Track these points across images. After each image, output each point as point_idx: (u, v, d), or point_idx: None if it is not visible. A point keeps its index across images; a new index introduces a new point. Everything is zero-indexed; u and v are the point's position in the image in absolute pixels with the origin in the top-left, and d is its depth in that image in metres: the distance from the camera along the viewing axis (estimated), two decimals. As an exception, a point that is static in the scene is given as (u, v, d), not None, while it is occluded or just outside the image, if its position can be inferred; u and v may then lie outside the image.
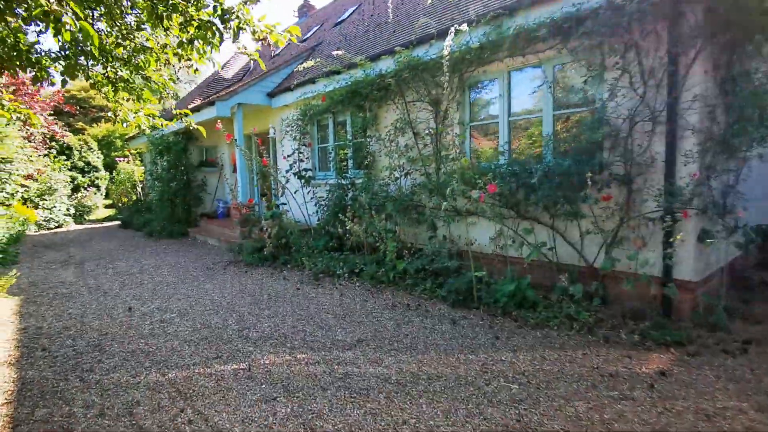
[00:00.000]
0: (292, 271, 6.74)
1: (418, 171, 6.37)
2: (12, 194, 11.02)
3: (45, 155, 15.15)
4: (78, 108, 23.94)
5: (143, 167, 16.71)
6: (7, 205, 11.06)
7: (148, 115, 3.64)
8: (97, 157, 19.86)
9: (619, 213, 4.27)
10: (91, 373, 3.48)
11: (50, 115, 16.54)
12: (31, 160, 12.80)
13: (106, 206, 19.73)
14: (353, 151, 7.92)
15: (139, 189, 15.10)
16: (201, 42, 2.80)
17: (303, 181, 8.23)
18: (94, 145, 20.12)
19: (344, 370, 3.40)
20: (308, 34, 12.84)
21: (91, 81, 3.28)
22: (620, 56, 4.25)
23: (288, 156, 8.38)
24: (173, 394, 3.12)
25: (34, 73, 2.85)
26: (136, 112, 3.51)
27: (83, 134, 22.17)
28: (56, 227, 13.91)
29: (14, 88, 12.60)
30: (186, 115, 3.86)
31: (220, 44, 2.85)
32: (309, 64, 7.05)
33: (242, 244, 8.17)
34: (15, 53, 2.61)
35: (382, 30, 8.30)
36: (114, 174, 18.00)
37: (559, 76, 4.95)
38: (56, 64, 2.88)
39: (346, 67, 7.03)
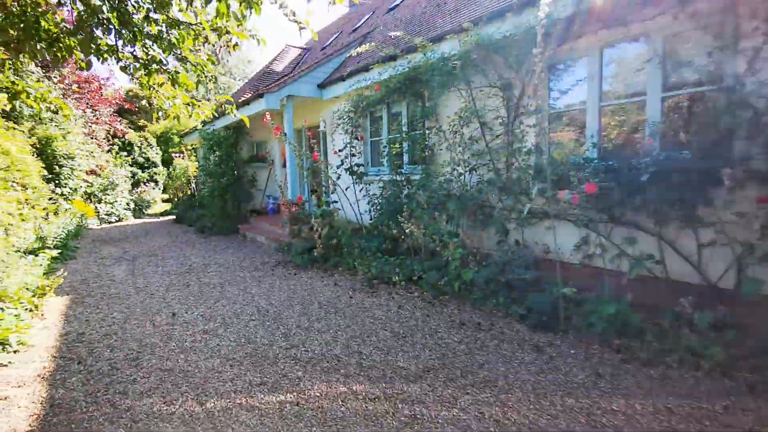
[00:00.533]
0: (343, 275, 6.22)
1: (486, 166, 5.61)
2: (74, 189, 11.34)
3: (108, 151, 15.74)
4: (136, 106, 24.92)
5: (197, 162, 16.99)
6: (71, 200, 11.42)
7: (187, 104, 3.19)
8: (156, 153, 20.52)
9: (760, 221, 3.33)
10: (123, 397, 3.08)
11: (115, 113, 17.20)
12: (94, 156, 13.22)
13: (164, 200, 20.37)
14: (409, 145, 7.28)
15: (192, 184, 15.30)
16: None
17: (354, 177, 7.69)
18: (153, 141, 20.80)
19: (410, 411, 2.78)
20: (359, 23, 12.28)
21: (122, 64, 2.87)
22: (764, 19, 3.29)
23: (339, 150, 7.87)
24: (209, 433, 2.63)
25: (54, 53, 2.47)
26: (171, 99, 3.07)
27: (144, 131, 23.08)
28: (116, 221, 14.36)
29: (77, 85, 13.03)
30: (229, 102, 3.39)
31: (261, -2, 2.30)
32: (363, 48, 6.45)
33: (291, 244, 7.78)
34: (22, 26, 2.20)
35: (442, 10, 7.55)
36: (171, 169, 18.47)
37: (669, 49, 4.02)
38: (74, 40, 2.46)
39: (404, 51, 6.37)
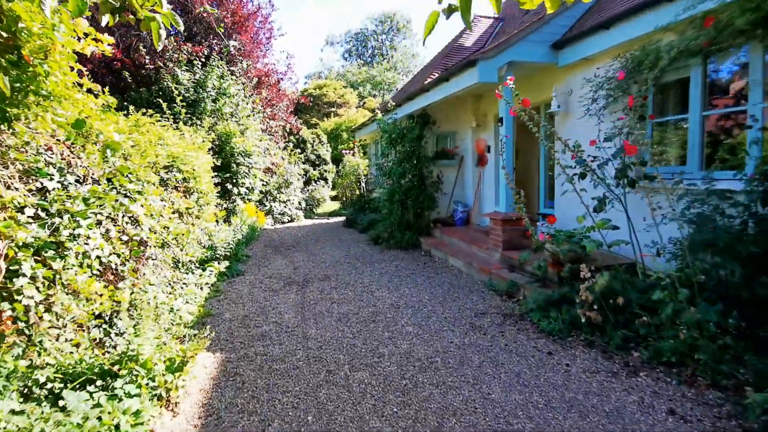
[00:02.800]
0: (656, 377, 3.25)
1: None
2: (250, 189, 10.62)
3: (283, 148, 15.42)
4: (310, 101, 25.37)
5: (367, 160, 15.67)
6: (247, 200, 10.79)
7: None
8: (327, 150, 20.18)
9: None
10: None
11: (293, 112, 17.01)
12: (270, 153, 12.66)
13: (332, 198, 19.92)
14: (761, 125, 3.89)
15: (362, 183, 13.91)
16: None
17: (626, 182, 4.62)
18: (325, 138, 20.54)
19: None
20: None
21: None
22: None
23: (604, 140, 4.82)
24: None
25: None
26: None
27: (316, 128, 23.25)
28: (289, 221, 13.76)
29: (257, 80, 12.54)
30: None
31: None
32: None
33: (517, 285, 5.09)
34: None
35: None
36: (340, 167, 17.69)
37: None
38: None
39: None
